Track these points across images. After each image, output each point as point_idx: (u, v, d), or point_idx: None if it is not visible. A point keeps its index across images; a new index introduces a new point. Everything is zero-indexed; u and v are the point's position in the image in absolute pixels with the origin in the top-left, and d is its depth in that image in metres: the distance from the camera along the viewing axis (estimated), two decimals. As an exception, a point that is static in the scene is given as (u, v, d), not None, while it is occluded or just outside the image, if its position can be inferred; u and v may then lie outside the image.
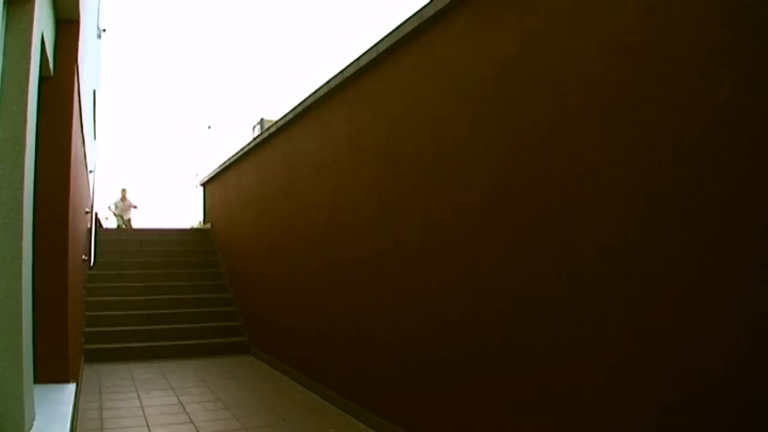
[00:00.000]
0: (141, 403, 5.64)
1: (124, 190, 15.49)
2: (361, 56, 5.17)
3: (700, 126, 2.34)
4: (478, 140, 3.74)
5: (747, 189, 2.16)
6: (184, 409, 5.47)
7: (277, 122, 7.55)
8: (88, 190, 8.60)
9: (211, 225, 12.11)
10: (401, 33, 4.54)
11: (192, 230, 13.79)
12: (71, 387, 4.21)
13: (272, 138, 7.89)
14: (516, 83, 3.43)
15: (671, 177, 2.46)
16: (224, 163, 10.84)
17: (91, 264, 8.61)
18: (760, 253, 2.10)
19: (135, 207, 15.36)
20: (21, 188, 2.70)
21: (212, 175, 12.02)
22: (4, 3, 2.76)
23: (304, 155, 6.69)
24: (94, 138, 10.52)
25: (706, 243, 2.30)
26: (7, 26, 2.79)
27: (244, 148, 9.40)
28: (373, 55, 4.95)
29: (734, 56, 2.23)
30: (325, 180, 6.05)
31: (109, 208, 15.29)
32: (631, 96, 2.68)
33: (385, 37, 4.77)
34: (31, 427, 2.98)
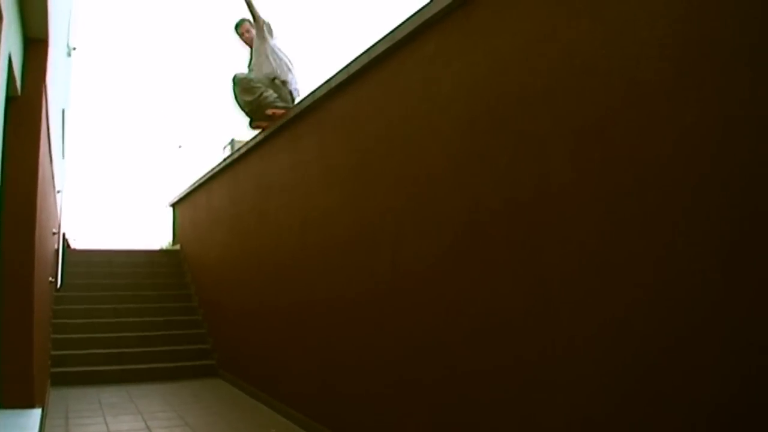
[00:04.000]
0: (108, 428, 5.54)
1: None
2: (332, 78, 5.19)
3: (666, 149, 2.39)
4: (449, 162, 3.76)
5: (712, 211, 2.20)
6: (152, 433, 5.38)
7: (247, 143, 7.55)
8: (56, 210, 8.50)
9: (181, 246, 12.00)
10: (372, 54, 4.57)
11: (161, 251, 13.66)
12: (37, 412, 4.13)
13: (243, 159, 7.87)
14: (485, 105, 3.47)
15: (637, 200, 2.50)
16: (194, 183, 10.78)
17: (59, 285, 8.48)
18: (727, 278, 2.14)
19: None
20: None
21: (182, 195, 11.93)
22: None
23: (275, 177, 6.68)
24: (63, 157, 10.40)
25: (674, 266, 2.34)
26: (-26, 46, 2.76)
27: (214, 168, 9.36)
28: (344, 76, 4.97)
29: (700, 78, 2.28)
30: (296, 202, 6.04)
31: None
32: (597, 118, 2.73)
33: (357, 58, 4.79)
34: (-6, 454, 2.92)
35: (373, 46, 4.57)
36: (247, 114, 7.12)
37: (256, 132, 7.15)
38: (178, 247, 12.26)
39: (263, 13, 7.16)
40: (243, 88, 6.99)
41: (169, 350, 8.79)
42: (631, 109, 2.56)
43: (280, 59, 7.10)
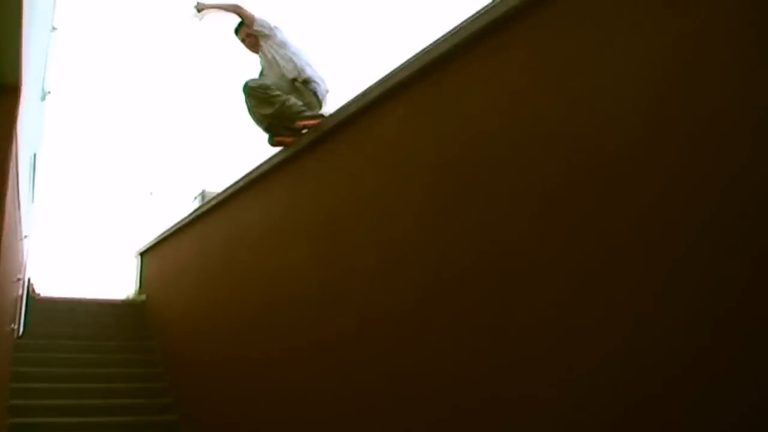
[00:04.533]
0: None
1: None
2: (303, 135, 5.30)
3: (631, 214, 2.49)
4: (417, 222, 3.83)
5: (675, 277, 2.31)
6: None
7: (218, 195, 7.57)
8: (21, 256, 8.40)
9: (147, 296, 11.86)
10: (343, 114, 4.68)
11: (126, 301, 13.46)
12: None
13: (213, 211, 7.86)
14: (453, 168, 3.56)
15: (600, 263, 2.59)
16: (163, 233, 10.72)
17: (19, 333, 8.33)
18: (692, 345, 2.24)
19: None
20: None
21: (150, 245, 11.84)
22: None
23: (244, 230, 6.70)
24: (32, 201, 10.30)
25: (633, 325, 2.42)
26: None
27: (184, 219, 9.35)
28: (314, 135, 5.08)
29: (666, 146, 2.39)
30: (265, 257, 6.06)
31: None
32: (563, 183, 2.82)
33: (328, 117, 4.91)
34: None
35: (345, 106, 4.68)
36: (265, 129, 5.86)
37: (278, 149, 5.91)
38: (144, 297, 12.11)
39: (253, 10, 6.03)
40: (258, 98, 5.68)
41: (131, 403, 8.58)
42: (597, 175, 2.66)
43: (293, 53, 5.88)
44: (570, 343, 2.68)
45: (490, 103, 3.35)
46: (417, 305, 3.73)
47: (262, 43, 5.97)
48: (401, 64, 4.07)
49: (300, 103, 5.60)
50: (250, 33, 5.99)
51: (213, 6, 5.89)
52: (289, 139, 5.69)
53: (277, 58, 5.83)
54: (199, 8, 5.86)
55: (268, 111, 5.63)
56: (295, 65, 5.76)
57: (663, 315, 2.30)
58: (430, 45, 3.85)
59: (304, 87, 5.72)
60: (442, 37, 3.75)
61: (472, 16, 3.49)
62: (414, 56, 3.98)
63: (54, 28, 10.20)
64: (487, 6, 3.39)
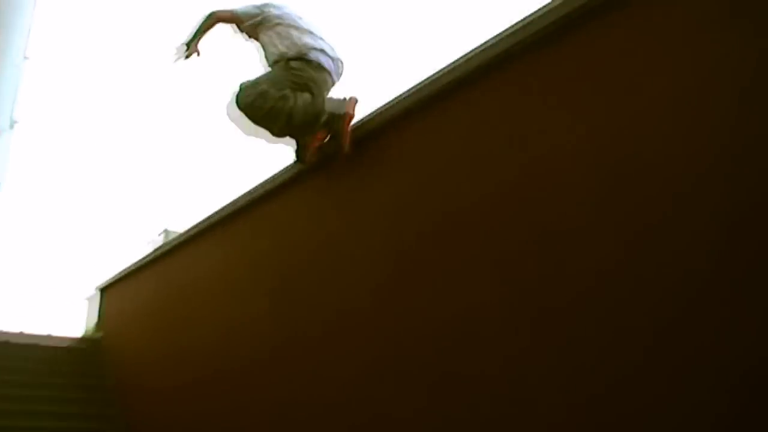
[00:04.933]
0: None
1: None
2: (257, 186, 5.26)
3: (584, 282, 2.50)
4: (370, 287, 3.81)
5: (619, 341, 2.26)
6: None
7: (179, 236, 7.44)
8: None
9: (103, 335, 11.56)
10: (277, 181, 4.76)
11: (82, 339, 13.11)
12: None
13: (174, 252, 7.72)
14: (405, 240, 3.54)
15: (552, 329, 2.58)
16: (123, 271, 10.51)
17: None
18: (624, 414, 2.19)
19: None
20: None
21: (109, 282, 11.59)
22: None
23: (202, 277, 6.52)
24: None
25: (583, 383, 2.39)
26: None
27: (145, 257, 9.17)
28: (281, 179, 5.03)
29: (616, 214, 2.40)
30: (224, 301, 5.88)
31: None
32: (517, 251, 2.84)
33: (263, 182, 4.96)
34: None
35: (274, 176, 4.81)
36: (294, 136, 4.58)
37: (311, 162, 4.61)
38: (100, 334, 11.79)
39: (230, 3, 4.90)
40: (257, 116, 4.36)
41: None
42: (547, 242, 2.68)
43: (289, 24, 4.63)
44: (524, 411, 2.60)
45: (419, 179, 3.28)
46: (370, 371, 3.67)
47: (259, 32, 4.76)
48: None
49: (308, 98, 4.38)
50: (244, 29, 4.85)
51: (198, 36, 4.80)
52: (314, 146, 4.50)
53: (271, 41, 4.61)
54: (189, 45, 4.82)
55: (275, 127, 4.42)
56: (292, 40, 4.51)
57: (607, 382, 2.21)
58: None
59: (301, 63, 4.43)
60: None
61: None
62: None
63: (26, 57, 10.08)
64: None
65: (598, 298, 2.45)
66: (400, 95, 3.79)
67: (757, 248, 1.99)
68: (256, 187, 5.40)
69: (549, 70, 2.91)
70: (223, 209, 6.14)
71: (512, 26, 3.10)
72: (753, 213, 2.03)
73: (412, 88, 3.71)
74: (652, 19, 2.48)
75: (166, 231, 10.65)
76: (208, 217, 6.42)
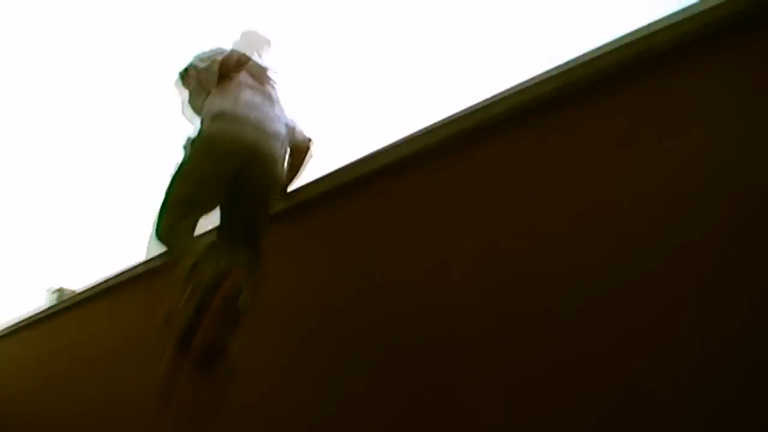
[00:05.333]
0: None
1: None
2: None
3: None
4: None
5: None
6: None
7: (70, 297, 7.16)
8: None
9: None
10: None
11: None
12: None
13: (64, 312, 7.40)
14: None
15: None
16: (14, 325, 10.03)
17: None
18: None
19: None
20: None
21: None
22: None
23: (92, 344, 6.25)
24: None
25: None
26: None
27: (36, 314, 8.79)
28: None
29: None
30: (115, 374, 5.57)
31: None
32: (464, 346, 2.87)
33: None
34: None
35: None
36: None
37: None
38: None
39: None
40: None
41: None
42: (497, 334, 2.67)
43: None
44: None
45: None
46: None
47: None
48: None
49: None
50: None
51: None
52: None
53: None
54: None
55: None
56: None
57: None
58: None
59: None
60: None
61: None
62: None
63: None
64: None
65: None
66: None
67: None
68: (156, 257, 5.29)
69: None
70: (120, 274, 5.96)
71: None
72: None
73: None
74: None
75: (60, 289, 10.27)
76: (99, 283, 6.24)
